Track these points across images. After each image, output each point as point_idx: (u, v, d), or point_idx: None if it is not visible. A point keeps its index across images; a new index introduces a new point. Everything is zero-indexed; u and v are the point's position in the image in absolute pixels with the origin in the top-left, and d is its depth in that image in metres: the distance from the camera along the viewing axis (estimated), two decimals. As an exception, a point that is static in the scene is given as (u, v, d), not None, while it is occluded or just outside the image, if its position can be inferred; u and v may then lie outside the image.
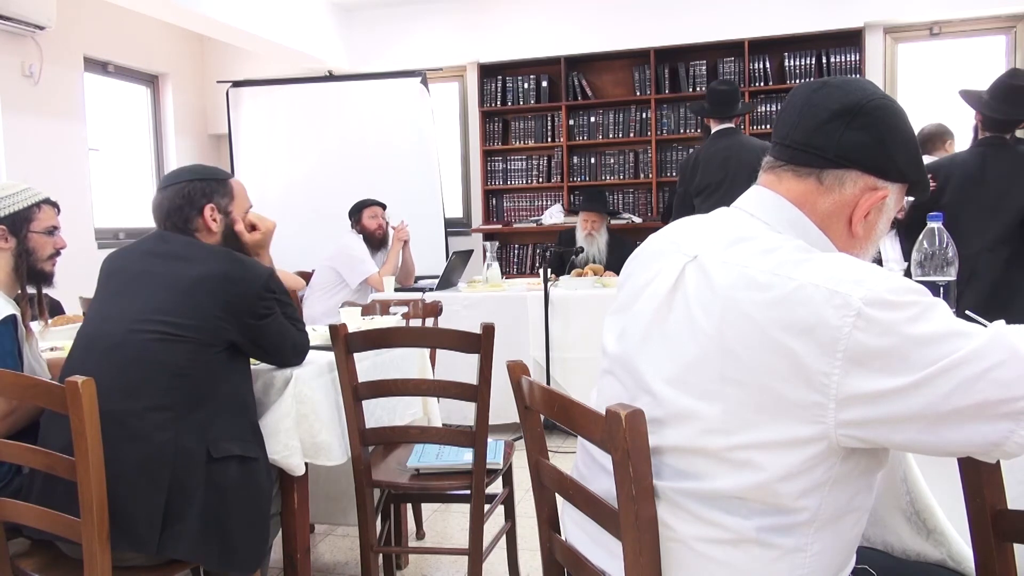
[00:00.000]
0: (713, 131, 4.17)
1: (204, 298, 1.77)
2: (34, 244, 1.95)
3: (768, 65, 5.64)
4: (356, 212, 4.85)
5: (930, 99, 5.57)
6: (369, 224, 4.80)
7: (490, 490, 2.24)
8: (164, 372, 1.72)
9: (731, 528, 0.99)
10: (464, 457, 2.25)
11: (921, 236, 1.68)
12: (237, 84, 6.26)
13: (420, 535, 2.96)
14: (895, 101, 1.10)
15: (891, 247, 4.26)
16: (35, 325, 2.17)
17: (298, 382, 2.03)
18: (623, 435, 0.98)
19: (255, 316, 1.84)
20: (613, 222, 5.20)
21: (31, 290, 2.02)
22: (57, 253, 2.02)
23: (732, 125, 4.16)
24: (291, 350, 2.00)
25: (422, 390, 2.39)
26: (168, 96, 6.38)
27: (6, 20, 4.54)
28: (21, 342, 1.86)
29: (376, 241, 4.81)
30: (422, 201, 5.92)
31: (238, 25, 5.17)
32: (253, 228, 2.04)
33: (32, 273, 1.96)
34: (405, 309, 3.33)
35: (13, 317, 1.84)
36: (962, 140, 4.67)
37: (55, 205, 2.02)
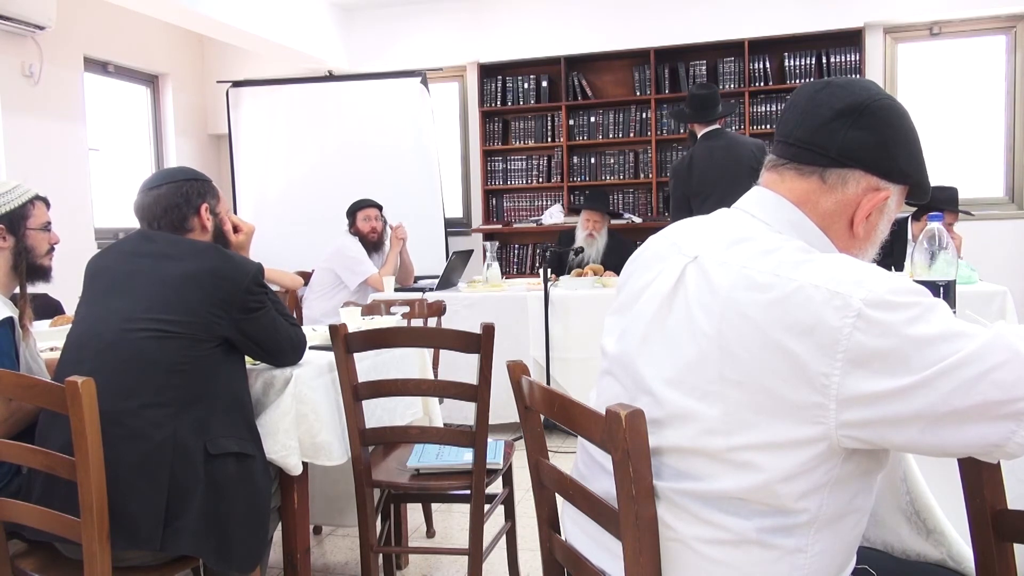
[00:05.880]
0: (701, 133, 4.16)
1: (194, 294, 1.79)
2: (32, 241, 1.96)
3: (768, 65, 5.64)
4: (351, 213, 4.83)
5: (930, 99, 5.58)
6: (362, 227, 4.76)
7: (490, 490, 2.23)
8: (159, 369, 1.73)
9: (731, 529, 0.99)
10: (464, 457, 2.25)
11: (921, 236, 1.68)
12: (237, 84, 6.26)
13: (430, 534, 2.96)
14: (899, 102, 1.10)
15: None
16: (37, 324, 2.18)
17: (298, 382, 2.03)
18: (623, 435, 0.98)
19: (245, 310, 1.85)
20: (613, 222, 5.18)
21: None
22: (52, 248, 2.03)
23: (719, 126, 4.16)
24: (288, 345, 2.00)
25: (422, 390, 2.39)
26: (168, 96, 6.37)
27: (6, 20, 4.54)
28: (18, 343, 1.86)
29: (370, 243, 4.78)
30: (422, 201, 5.91)
31: (238, 25, 5.17)
32: (236, 229, 2.10)
33: (31, 270, 1.97)
34: (406, 309, 3.33)
35: (11, 319, 1.84)
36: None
37: (45, 201, 2.03)
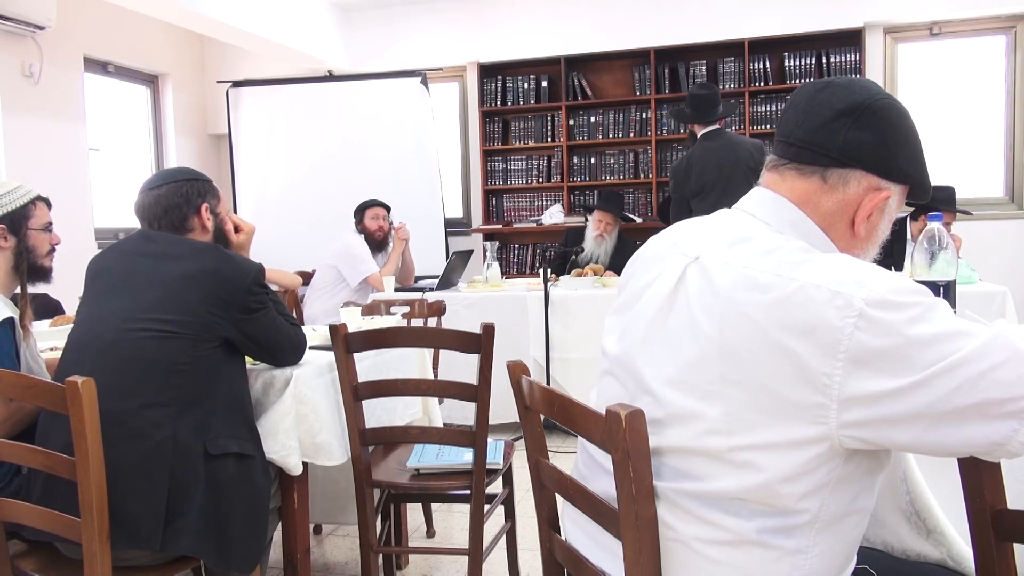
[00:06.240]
0: (700, 134, 4.17)
1: (195, 294, 1.79)
2: (33, 241, 1.96)
3: (768, 65, 5.64)
4: (359, 212, 4.88)
5: (930, 99, 5.58)
6: (370, 225, 4.82)
7: (490, 490, 2.23)
8: (159, 369, 1.73)
9: (731, 529, 0.99)
10: (464, 457, 2.25)
11: (921, 236, 1.68)
12: (237, 84, 6.26)
13: (430, 534, 2.96)
14: (899, 102, 1.10)
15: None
16: (37, 324, 2.18)
17: (298, 382, 2.03)
18: (623, 435, 0.98)
19: (246, 310, 1.85)
20: (621, 224, 5.16)
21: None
22: (53, 249, 2.03)
23: (718, 126, 4.17)
24: (288, 345, 2.00)
25: (422, 390, 2.39)
26: (168, 96, 6.37)
27: (6, 20, 4.54)
28: (19, 343, 1.86)
29: (375, 242, 4.82)
30: (422, 201, 5.91)
31: (238, 25, 5.17)
32: (236, 229, 2.10)
33: (32, 270, 1.97)
34: (406, 309, 3.34)
35: (11, 319, 1.84)
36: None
37: (47, 201, 2.03)
